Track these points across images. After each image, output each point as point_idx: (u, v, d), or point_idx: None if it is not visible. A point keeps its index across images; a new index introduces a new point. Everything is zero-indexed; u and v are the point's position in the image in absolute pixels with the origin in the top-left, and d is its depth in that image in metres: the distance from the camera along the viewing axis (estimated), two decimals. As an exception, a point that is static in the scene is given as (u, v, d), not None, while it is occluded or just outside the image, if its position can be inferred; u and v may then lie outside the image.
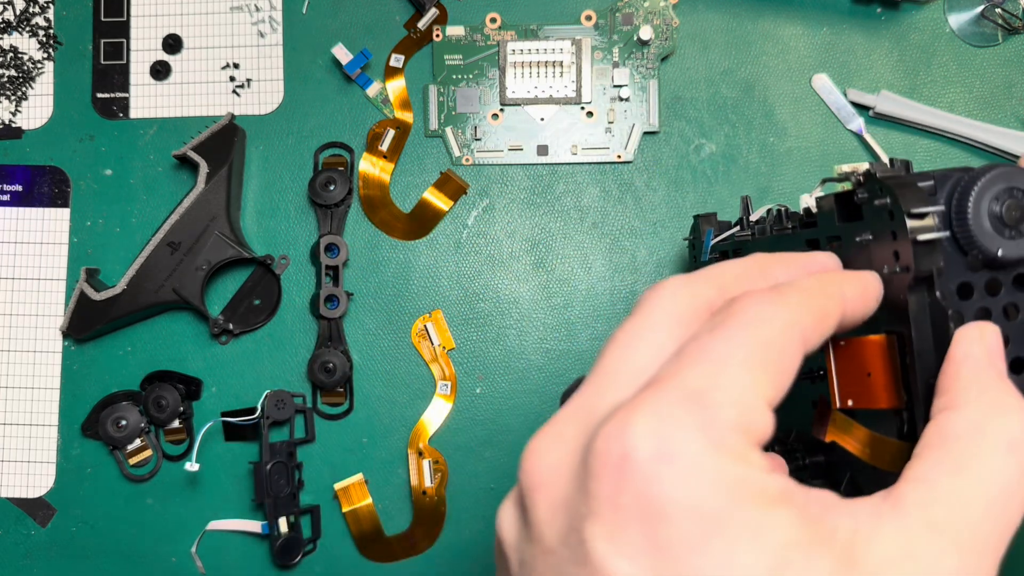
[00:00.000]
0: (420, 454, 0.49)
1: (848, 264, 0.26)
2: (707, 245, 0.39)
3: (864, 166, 0.26)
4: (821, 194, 0.29)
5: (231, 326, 0.49)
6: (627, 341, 0.22)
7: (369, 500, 0.49)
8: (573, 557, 0.19)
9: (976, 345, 0.23)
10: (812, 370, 0.28)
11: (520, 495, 0.21)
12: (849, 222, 0.27)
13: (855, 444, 0.27)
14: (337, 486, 0.49)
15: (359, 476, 0.49)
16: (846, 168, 0.26)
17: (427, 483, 0.48)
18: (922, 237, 0.23)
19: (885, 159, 0.48)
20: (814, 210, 0.29)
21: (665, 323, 0.22)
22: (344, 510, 0.49)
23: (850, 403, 0.26)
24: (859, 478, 0.29)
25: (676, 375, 0.19)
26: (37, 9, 0.52)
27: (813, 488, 0.20)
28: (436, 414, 0.49)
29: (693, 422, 0.18)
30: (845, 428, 0.27)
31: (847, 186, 0.27)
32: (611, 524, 0.18)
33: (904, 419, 0.25)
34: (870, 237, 0.25)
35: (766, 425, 0.19)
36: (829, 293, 0.22)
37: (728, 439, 0.19)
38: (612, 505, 0.18)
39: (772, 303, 0.21)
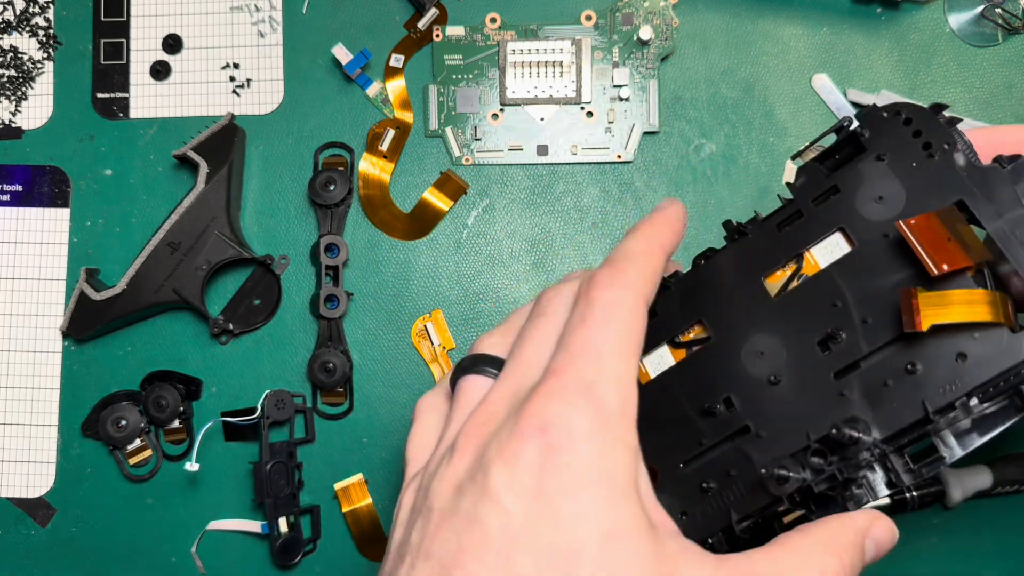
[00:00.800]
0: None
1: (863, 189, 0.31)
2: None
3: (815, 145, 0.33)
4: (801, 162, 0.33)
5: (231, 326, 0.49)
6: (537, 337, 0.29)
7: (369, 500, 0.49)
8: (474, 484, 0.26)
9: (864, 522, 0.31)
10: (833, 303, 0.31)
11: (450, 428, 0.29)
12: (838, 169, 0.32)
13: (960, 310, 0.28)
14: (337, 486, 0.49)
15: (359, 476, 0.49)
16: (807, 148, 0.33)
17: None
18: (948, 114, 0.30)
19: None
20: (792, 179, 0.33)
21: (560, 319, 0.29)
22: (344, 510, 0.49)
23: (945, 267, 0.28)
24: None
25: (571, 368, 0.26)
26: (37, 9, 0.52)
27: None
28: (436, 414, 0.49)
29: (588, 410, 0.26)
30: (940, 301, 0.28)
31: (823, 145, 0.33)
32: (513, 469, 0.25)
33: (987, 274, 0.29)
34: (884, 158, 0.31)
35: (634, 394, 0.27)
36: (652, 250, 0.29)
37: (611, 421, 0.26)
38: (519, 456, 0.25)
39: (617, 286, 0.28)
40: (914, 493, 0.46)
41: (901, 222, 0.29)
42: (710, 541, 0.32)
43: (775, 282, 0.33)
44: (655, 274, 0.29)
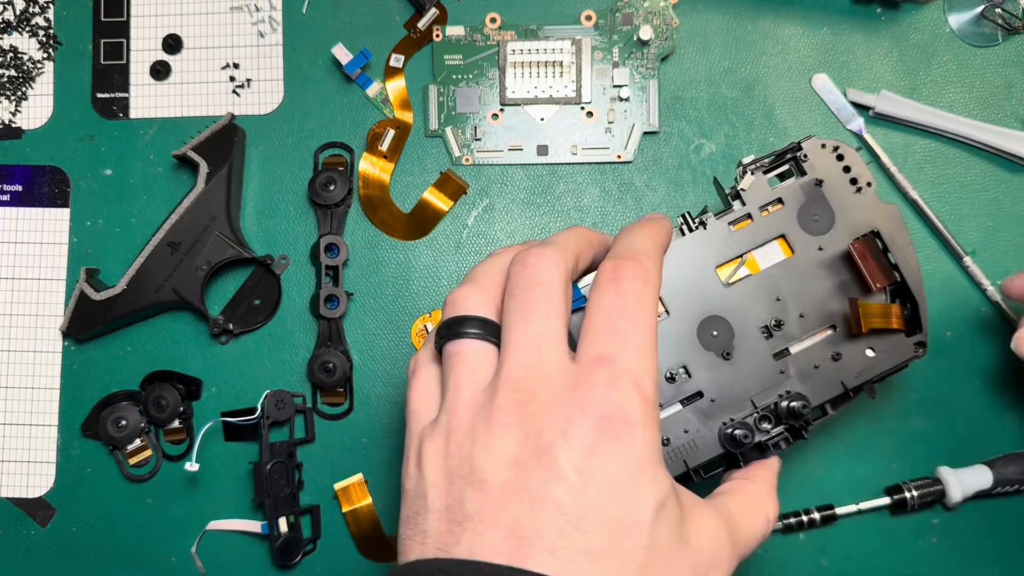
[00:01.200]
0: None
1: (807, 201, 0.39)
2: None
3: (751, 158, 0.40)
4: (751, 179, 0.40)
5: (231, 326, 0.49)
6: (542, 310, 0.31)
7: (369, 500, 0.49)
8: (539, 464, 0.29)
9: (777, 468, 0.38)
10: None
11: (459, 393, 0.31)
12: (782, 182, 0.40)
13: (885, 319, 0.38)
14: (337, 486, 0.49)
15: (359, 476, 0.49)
16: (747, 160, 0.40)
17: None
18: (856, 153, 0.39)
19: (885, 159, 0.48)
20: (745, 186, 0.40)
21: (559, 292, 0.32)
22: (344, 510, 0.49)
23: (878, 285, 0.37)
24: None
25: (620, 358, 0.30)
26: (37, 9, 0.52)
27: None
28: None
29: (640, 402, 0.29)
30: (874, 312, 0.37)
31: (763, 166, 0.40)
32: (578, 452, 0.28)
33: (888, 293, 0.39)
34: (821, 184, 0.39)
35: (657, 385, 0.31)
36: (660, 252, 0.34)
37: (653, 409, 0.30)
38: (583, 440, 0.29)
39: (641, 279, 0.31)
40: (914, 493, 0.46)
41: (852, 245, 0.38)
42: None
43: (724, 271, 0.39)
44: (661, 272, 0.33)
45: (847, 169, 0.39)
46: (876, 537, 0.47)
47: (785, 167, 0.40)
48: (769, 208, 0.39)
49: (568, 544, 0.28)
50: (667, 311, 0.39)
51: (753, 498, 0.36)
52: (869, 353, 0.38)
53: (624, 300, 0.31)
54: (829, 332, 0.38)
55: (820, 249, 0.39)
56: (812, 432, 0.38)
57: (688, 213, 0.39)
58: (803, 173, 0.39)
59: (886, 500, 0.47)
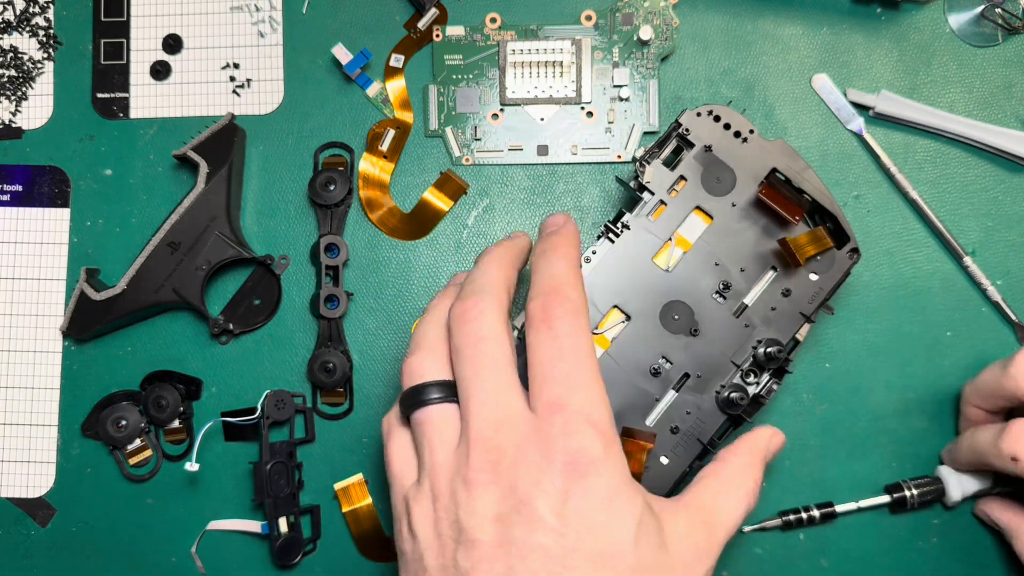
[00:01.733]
0: None
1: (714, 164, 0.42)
2: None
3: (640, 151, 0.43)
4: (651, 169, 0.42)
5: (231, 326, 0.49)
6: (492, 365, 0.34)
7: (369, 500, 0.49)
8: (520, 516, 0.31)
9: (764, 440, 0.40)
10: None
11: (434, 457, 0.34)
12: (677, 162, 0.43)
13: (815, 245, 0.40)
14: (337, 486, 0.49)
15: (359, 476, 0.49)
16: (640, 154, 0.43)
17: None
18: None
19: (885, 159, 0.48)
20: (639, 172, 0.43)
21: (503, 341, 0.34)
22: (344, 510, 0.49)
23: (797, 218, 0.40)
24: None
25: (570, 402, 0.32)
26: (37, 9, 0.52)
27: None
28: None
29: (597, 437, 0.32)
30: (804, 242, 0.40)
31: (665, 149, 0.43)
32: (553, 498, 0.31)
33: (807, 218, 0.42)
34: (711, 148, 0.42)
35: (610, 407, 0.33)
36: (576, 272, 0.36)
37: (611, 437, 0.32)
38: (555, 486, 0.31)
39: (569, 314, 0.34)
40: (914, 492, 0.46)
41: (759, 191, 0.41)
42: (690, 467, 0.41)
43: (662, 258, 0.42)
44: (583, 287, 0.36)
45: (727, 126, 0.42)
46: (876, 537, 0.47)
47: (673, 145, 0.43)
48: (675, 188, 0.42)
49: None
50: (627, 316, 0.41)
51: (727, 478, 0.37)
52: (813, 277, 0.41)
53: (559, 340, 0.33)
54: (772, 274, 0.42)
55: (733, 205, 0.42)
56: (793, 364, 0.41)
57: (608, 223, 0.42)
58: (691, 145, 0.42)
59: (886, 498, 0.47)
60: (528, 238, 0.41)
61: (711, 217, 0.42)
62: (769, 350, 0.40)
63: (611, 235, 0.42)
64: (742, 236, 0.42)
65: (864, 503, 0.47)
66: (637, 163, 0.43)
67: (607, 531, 0.31)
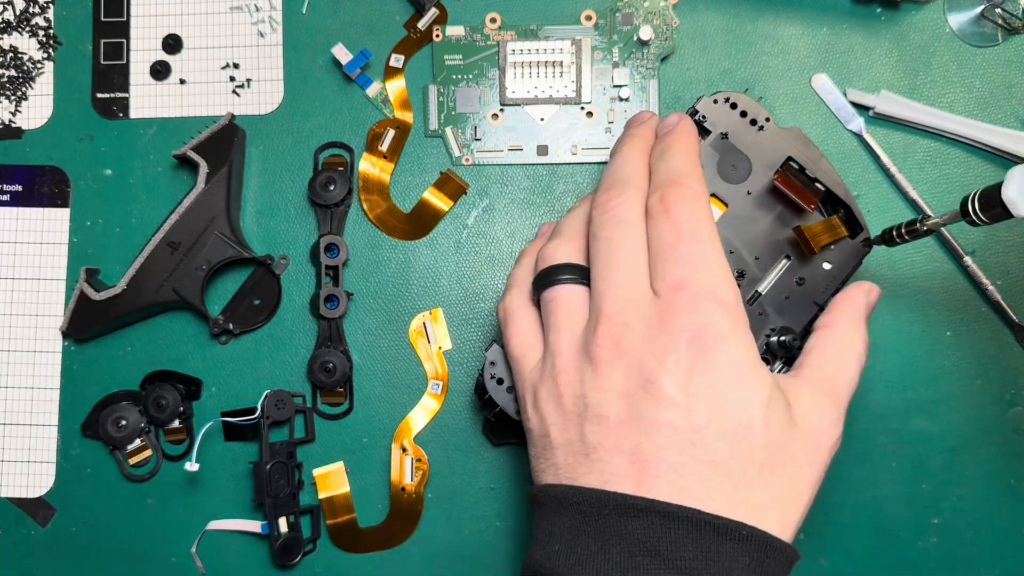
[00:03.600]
0: (404, 450, 0.49)
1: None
2: None
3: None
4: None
5: (231, 326, 0.49)
6: (626, 246, 0.34)
7: (347, 489, 0.49)
8: (646, 393, 0.31)
9: (862, 297, 0.38)
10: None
11: (559, 336, 0.35)
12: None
13: (829, 234, 0.40)
14: (316, 472, 0.49)
15: (339, 464, 0.49)
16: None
17: (407, 480, 0.48)
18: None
19: (885, 159, 0.48)
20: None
21: (638, 226, 0.34)
22: (320, 496, 0.49)
23: (812, 206, 0.40)
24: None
25: (693, 280, 0.32)
26: (37, 9, 0.52)
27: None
28: (423, 413, 0.49)
29: (724, 313, 0.32)
30: (818, 231, 0.40)
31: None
32: (679, 375, 0.31)
33: (821, 207, 0.42)
34: (727, 136, 0.42)
35: (736, 285, 0.33)
36: (696, 162, 0.37)
37: (738, 314, 0.32)
38: (680, 363, 0.31)
39: (691, 199, 0.34)
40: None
41: (774, 179, 0.41)
42: None
43: None
44: (703, 178, 0.36)
45: (744, 114, 0.42)
46: (876, 537, 0.47)
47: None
48: None
49: (689, 460, 0.30)
50: None
51: (837, 346, 0.37)
52: (826, 266, 0.41)
53: (679, 226, 0.33)
54: (785, 262, 0.42)
55: (748, 193, 0.42)
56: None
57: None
58: (707, 132, 0.42)
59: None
60: (654, 119, 0.41)
61: (726, 204, 0.42)
62: (783, 339, 0.40)
63: None
64: (757, 224, 0.42)
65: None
66: None
67: (736, 408, 0.31)
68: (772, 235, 0.42)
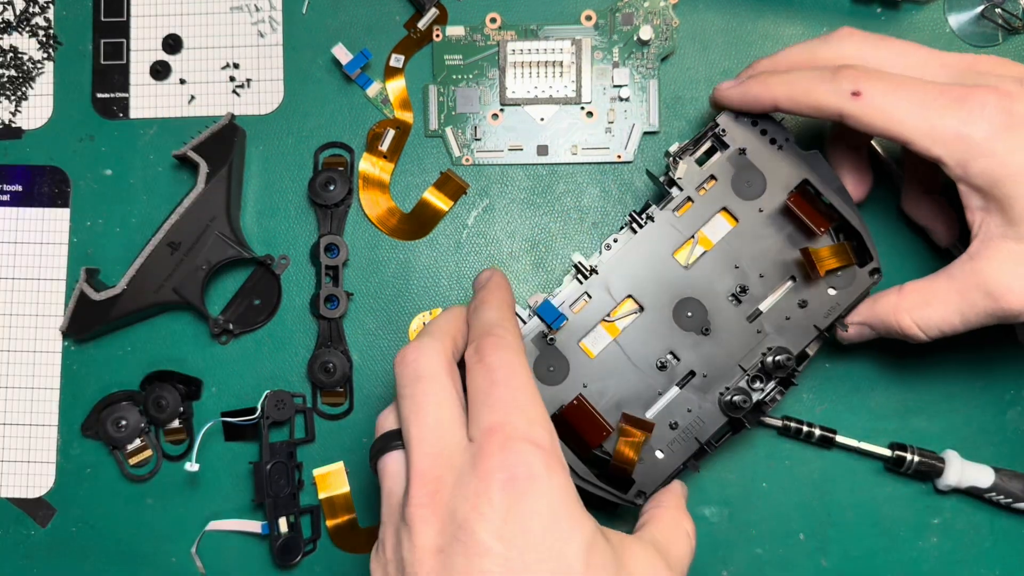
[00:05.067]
0: None
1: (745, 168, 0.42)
2: None
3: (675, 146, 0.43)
4: (683, 165, 0.42)
5: (231, 326, 0.49)
6: (432, 400, 0.33)
7: (346, 489, 0.49)
8: (459, 543, 0.30)
9: (680, 490, 0.41)
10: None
11: (386, 505, 0.34)
12: (708, 160, 0.43)
13: (836, 259, 0.40)
14: (316, 472, 0.49)
15: (339, 464, 0.49)
16: (674, 149, 0.42)
17: None
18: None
19: (886, 158, 0.48)
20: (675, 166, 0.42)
21: (445, 380, 0.34)
22: (320, 496, 0.49)
23: (822, 229, 0.41)
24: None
25: (507, 423, 0.31)
26: (37, 9, 0.52)
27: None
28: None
29: (537, 453, 0.31)
30: (825, 255, 0.40)
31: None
32: (493, 520, 0.30)
33: (832, 233, 0.42)
34: (745, 152, 0.42)
35: (552, 427, 0.33)
36: (509, 314, 0.37)
37: (552, 455, 0.31)
38: (494, 506, 0.30)
39: (503, 348, 0.34)
40: (916, 457, 0.45)
41: (788, 199, 0.41)
42: (684, 465, 0.41)
43: (682, 255, 0.42)
44: (517, 328, 0.36)
45: (764, 132, 0.42)
46: (876, 537, 0.47)
47: (708, 145, 0.43)
48: (705, 186, 0.42)
49: None
50: (641, 307, 0.42)
51: (670, 521, 0.38)
52: (831, 292, 0.41)
53: (493, 372, 0.33)
54: (790, 283, 0.42)
55: (760, 211, 0.42)
56: (800, 376, 0.41)
57: (633, 212, 0.42)
58: (726, 147, 0.42)
59: (887, 452, 0.46)
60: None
61: (736, 219, 0.42)
62: (778, 359, 0.40)
63: (635, 225, 0.42)
64: (765, 242, 0.42)
65: (865, 446, 0.46)
66: (670, 158, 0.42)
67: (555, 551, 0.30)
68: (780, 255, 0.42)
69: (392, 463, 0.34)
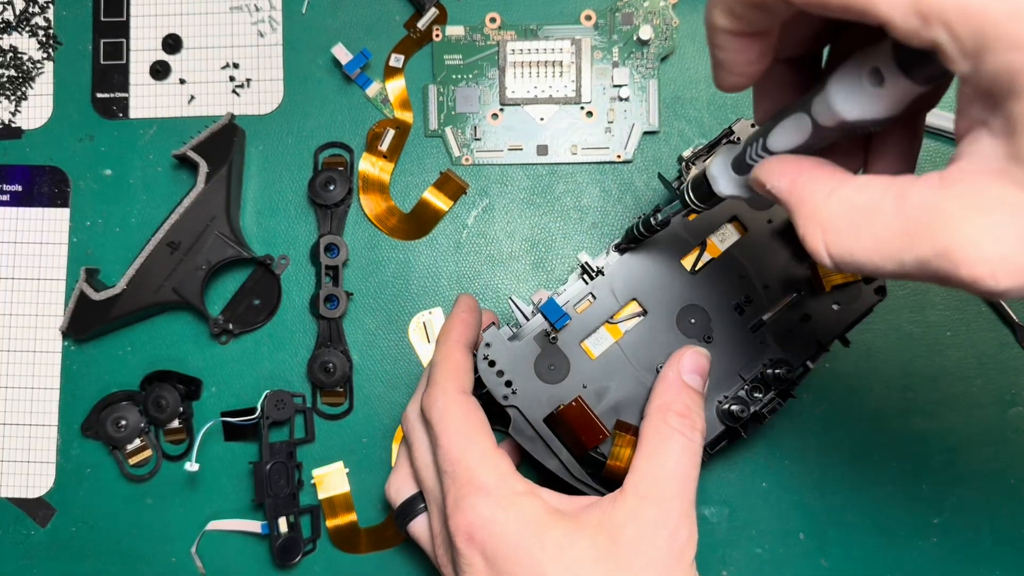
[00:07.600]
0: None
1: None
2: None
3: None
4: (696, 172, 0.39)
5: (231, 326, 0.49)
6: (421, 464, 0.40)
7: (347, 489, 0.49)
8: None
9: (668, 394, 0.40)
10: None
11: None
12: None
13: (837, 277, 0.40)
14: (316, 473, 0.49)
15: (338, 464, 0.49)
16: (687, 154, 0.42)
17: None
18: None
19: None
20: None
21: (422, 439, 0.40)
22: (320, 497, 0.49)
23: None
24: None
25: (454, 481, 0.37)
26: (37, 9, 0.52)
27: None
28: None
29: (484, 499, 0.36)
30: (829, 271, 0.40)
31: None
32: (463, 560, 0.36)
33: None
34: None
35: (502, 457, 0.37)
36: (451, 353, 0.40)
37: (500, 490, 0.36)
38: (470, 562, 0.36)
39: (437, 401, 0.39)
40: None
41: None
42: None
43: (688, 261, 0.42)
44: (461, 365, 0.40)
45: None
46: (876, 537, 0.47)
47: None
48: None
49: None
50: (644, 310, 0.42)
51: (652, 436, 0.38)
52: (835, 307, 0.41)
53: (432, 428, 0.39)
54: (795, 296, 0.42)
55: (770, 222, 0.42)
56: (799, 388, 0.41)
57: (651, 216, 0.39)
58: None
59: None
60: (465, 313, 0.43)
61: (746, 229, 0.42)
62: (778, 371, 0.40)
63: (648, 230, 0.41)
64: (773, 254, 0.42)
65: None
66: (683, 163, 0.42)
67: (536, 565, 0.35)
68: (786, 268, 0.42)
69: (417, 530, 0.41)
